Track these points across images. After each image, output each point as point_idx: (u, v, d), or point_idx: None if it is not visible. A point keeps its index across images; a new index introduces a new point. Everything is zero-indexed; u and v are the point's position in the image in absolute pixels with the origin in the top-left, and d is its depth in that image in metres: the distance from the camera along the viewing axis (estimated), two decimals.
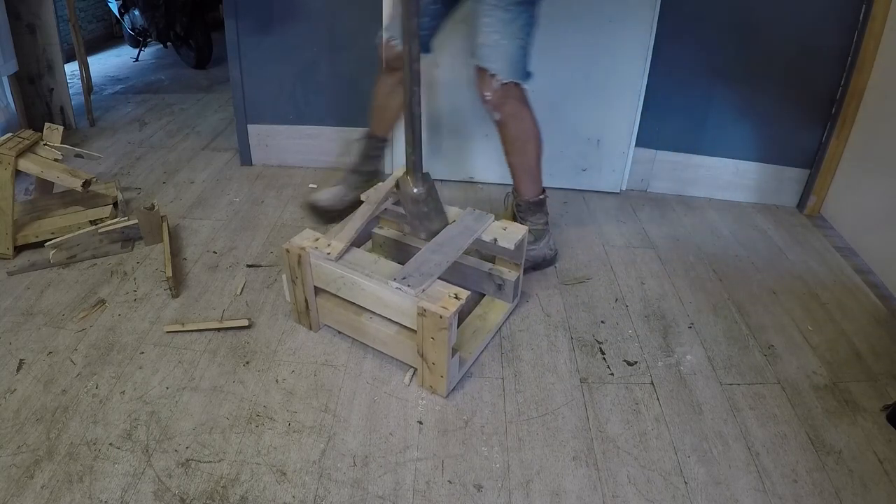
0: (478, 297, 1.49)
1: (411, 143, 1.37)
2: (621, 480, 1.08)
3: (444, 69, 2.03)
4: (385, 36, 1.59)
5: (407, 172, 1.40)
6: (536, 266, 1.68)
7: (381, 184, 1.58)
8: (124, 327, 1.41)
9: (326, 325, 1.41)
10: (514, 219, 1.67)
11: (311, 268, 1.30)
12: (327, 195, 1.84)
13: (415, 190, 1.38)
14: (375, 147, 1.82)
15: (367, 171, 1.84)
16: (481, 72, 1.47)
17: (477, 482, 1.07)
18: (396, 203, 1.46)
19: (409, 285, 1.17)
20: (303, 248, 1.29)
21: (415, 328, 1.19)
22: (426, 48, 1.57)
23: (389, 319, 1.26)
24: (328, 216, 1.85)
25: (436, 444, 1.14)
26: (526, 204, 1.64)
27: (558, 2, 1.89)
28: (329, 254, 1.28)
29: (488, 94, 1.47)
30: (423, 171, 1.41)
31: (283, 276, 1.37)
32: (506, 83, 1.44)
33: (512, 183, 1.66)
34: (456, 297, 1.16)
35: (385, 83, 1.69)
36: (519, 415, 1.21)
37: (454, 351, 1.20)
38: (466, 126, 2.13)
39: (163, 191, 2.09)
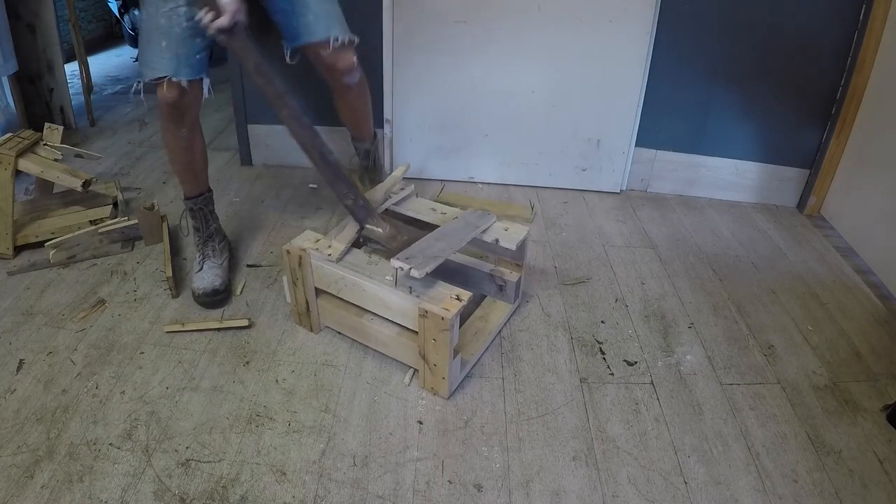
0: (479, 298, 1.49)
1: (346, 193, 1.29)
2: (621, 480, 1.08)
3: (442, 69, 2.02)
4: (152, 76, 1.30)
5: (362, 223, 1.32)
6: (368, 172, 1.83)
7: (381, 184, 1.58)
8: (124, 327, 1.41)
9: (327, 326, 1.41)
10: (367, 172, 1.84)
11: (312, 269, 1.30)
12: (212, 276, 1.51)
13: (380, 230, 1.31)
14: (206, 203, 1.57)
15: (217, 227, 1.60)
16: (324, 45, 1.42)
17: (477, 482, 1.07)
18: (364, 242, 1.39)
19: (412, 266, 1.15)
20: (303, 250, 1.29)
21: (416, 330, 1.19)
22: (207, 72, 1.37)
23: (391, 321, 1.26)
24: (226, 297, 1.53)
25: (436, 444, 1.14)
26: (374, 144, 1.81)
27: (559, 2, 1.89)
28: (330, 255, 1.27)
29: (346, 62, 1.47)
30: (374, 209, 1.35)
31: (284, 278, 1.37)
32: (349, 41, 1.45)
33: (358, 136, 1.79)
34: (458, 299, 1.16)
35: (177, 136, 1.45)
36: (519, 415, 1.21)
37: (456, 352, 1.20)
38: (466, 126, 2.13)
39: (163, 191, 2.09)
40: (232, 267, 1.64)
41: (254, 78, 1.21)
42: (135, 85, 1.33)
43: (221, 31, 1.18)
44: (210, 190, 1.58)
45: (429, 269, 1.16)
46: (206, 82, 1.35)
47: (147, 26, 1.28)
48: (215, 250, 1.57)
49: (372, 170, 1.86)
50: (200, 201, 1.55)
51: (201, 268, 1.53)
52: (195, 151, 1.50)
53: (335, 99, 1.66)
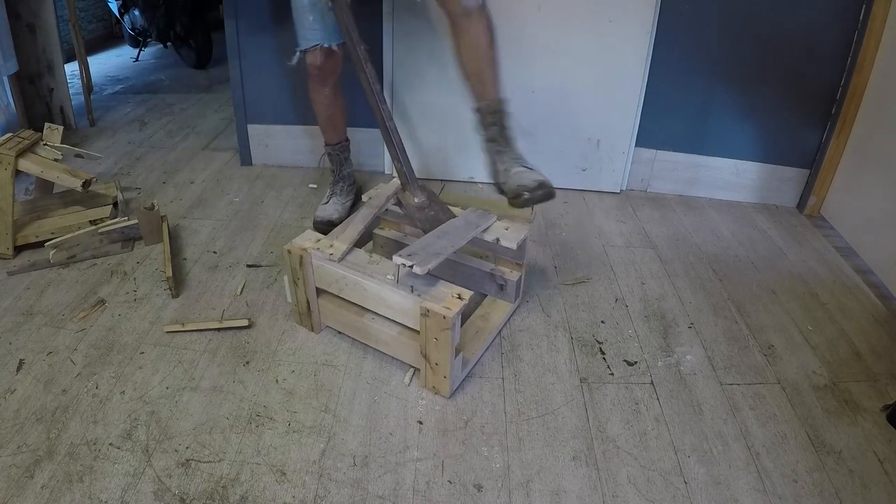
0: (479, 297, 1.49)
1: (396, 156, 1.39)
2: (621, 480, 1.08)
3: (443, 69, 2.02)
4: (306, 46, 1.58)
5: (403, 186, 1.42)
6: (544, 194, 1.34)
7: (382, 185, 1.58)
8: (124, 327, 1.41)
9: (328, 325, 1.41)
10: (494, 145, 1.44)
11: (313, 269, 1.30)
12: (332, 209, 1.86)
13: (416, 200, 1.40)
14: (342, 150, 1.89)
15: (349, 172, 1.93)
16: None
17: (477, 482, 1.07)
18: (397, 203, 1.48)
19: (414, 263, 1.15)
20: (304, 249, 1.29)
21: (418, 329, 1.19)
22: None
23: (392, 320, 1.26)
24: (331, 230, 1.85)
25: (436, 444, 1.14)
26: (501, 106, 1.46)
27: (559, 2, 1.89)
28: (332, 255, 1.27)
29: None
30: (417, 178, 1.43)
31: (285, 278, 1.37)
32: None
33: (480, 94, 1.46)
34: (459, 298, 1.16)
35: (321, 94, 1.72)
36: (519, 415, 1.21)
37: (457, 351, 1.20)
38: (466, 126, 2.12)
39: (163, 191, 2.09)
40: (236, 266, 1.66)
41: (346, 39, 1.38)
42: (297, 55, 1.62)
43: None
44: (347, 140, 1.89)
45: (431, 265, 1.16)
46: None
47: (296, 5, 1.54)
48: (343, 190, 1.91)
49: (501, 141, 1.45)
50: (337, 148, 1.86)
51: (327, 201, 1.89)
52: (336, 107, 1.78)
53: (453, 42, 1.44)
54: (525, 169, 1.37)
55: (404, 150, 1.41)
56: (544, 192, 1.31)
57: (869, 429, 1.21)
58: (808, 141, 2.04)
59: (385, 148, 2.20)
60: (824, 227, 2.01)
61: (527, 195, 1.31)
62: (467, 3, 1.38)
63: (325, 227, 1.79)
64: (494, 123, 1.45)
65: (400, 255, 1.17)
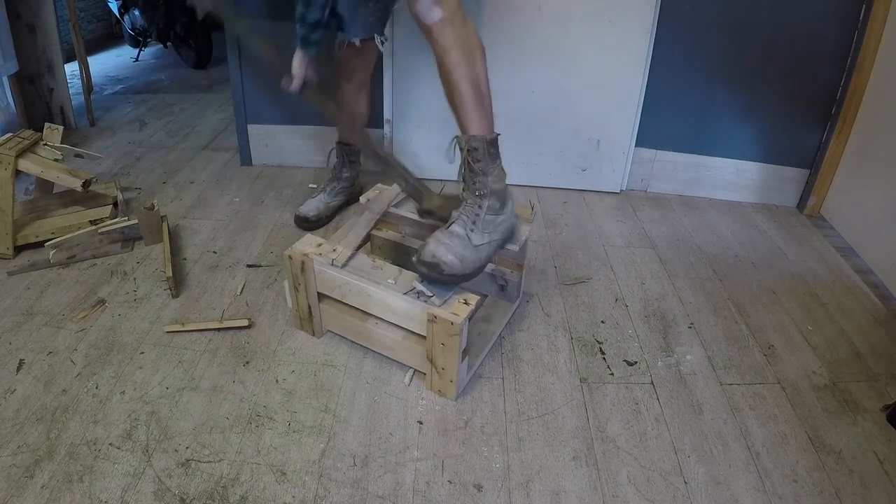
0: (480, 298, 1.49)
1: (401, 174, 1.44)
2: (621, 480, 1.08)
3: None
4: (339, 38, 1.60)
5: (418, 200, 1.45)
6: (505, 241, 1.30)
7: (381, 187, 1.58)
8: (124, 327, 1.41)
9: (329, 330, 1.41)
10: (468, 174, 1.23)
11: (315, 274, 1.29)
12: (312, 206, 1.86)
13: (436, 203, 1.41)
14: (350, 154, 1.87)
15: (348, 176, 1.91)
16: None
17: (477, 482, 1.07)
18: (396, 206, 1.48)
19: (433, 294, 1.16)
20: (306, 255, 1.28)
21: (423, 334, 1.19)
22: (380, 32, 1.60)
23: (395, 325, 1.26)
24: (317, 226, 1.87)
25: (436, 444, 1.14)
26: (485, 145, 1.20)
27: (559, 2, 1.89)
28: (335, 260, 1.26)
29: (437, 12, 1.21)
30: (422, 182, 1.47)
31: (285, 283, 1.37)
32: None
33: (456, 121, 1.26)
34: (466, 303, 1.16)
35: (347, 90, 1.74)
36: (519, 415, 1.21)
37: (464, 355, 1.20)
38: None
39: (163, 191, 2.09)
40: (236, 266, 1.66)
41: (316, 106, 1.52)
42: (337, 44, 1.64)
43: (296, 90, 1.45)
44: None
45: (447, 297, 1.17)
46: (378, 39, 1.57)
47: None
48: (334, 190, 1.89)
49: (466, 185, 1.24)
50: (346, 149, 1.85)
51: (314, 196, 1.88)
52: (356, 107, 1.77)
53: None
54: (448, 241, 1.16)
55: (405, 171, 1.44)
56: (427, 272, 1.15)
57: (869, 429, 1.21)
58: (808, 141, 2.04)
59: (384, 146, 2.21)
60: (824, 227, 2.01)
61: (415, 260, 1.17)
62: (424, 18, 1.23)
63: (300, 222, 1.84)
64: (463, 161, 1.23)
65: (420, 283, 1.18)
